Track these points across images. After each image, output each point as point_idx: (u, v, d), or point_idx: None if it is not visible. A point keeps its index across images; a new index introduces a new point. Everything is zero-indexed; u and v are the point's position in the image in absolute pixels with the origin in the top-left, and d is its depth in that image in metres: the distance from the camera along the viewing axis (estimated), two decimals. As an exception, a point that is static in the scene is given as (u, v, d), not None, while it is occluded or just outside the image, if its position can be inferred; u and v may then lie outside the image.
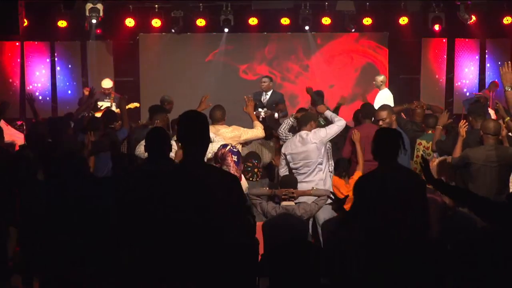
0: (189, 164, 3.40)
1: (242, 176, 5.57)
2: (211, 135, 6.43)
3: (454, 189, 4.01)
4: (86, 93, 9.75)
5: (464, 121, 6.34)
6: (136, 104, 10.37)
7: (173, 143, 6.25)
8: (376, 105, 8.44)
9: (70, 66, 12.26)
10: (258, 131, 6.89)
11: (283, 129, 6.88)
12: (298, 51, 12.40)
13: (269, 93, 9.68)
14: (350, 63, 12.39)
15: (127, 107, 9.48)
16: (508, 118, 6.58)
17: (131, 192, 4.48)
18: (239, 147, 6.40)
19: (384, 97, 9.75)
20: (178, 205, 3.28)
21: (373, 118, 7.14)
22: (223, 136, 6.61)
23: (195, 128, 3.38)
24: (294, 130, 7.05)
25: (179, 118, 3.47)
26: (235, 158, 5.32)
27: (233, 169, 5.25)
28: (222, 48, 12.29)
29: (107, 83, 10.57)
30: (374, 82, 10.17)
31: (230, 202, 3.31)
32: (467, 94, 11.63)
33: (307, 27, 11.75)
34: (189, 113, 3.48)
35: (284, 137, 6.88)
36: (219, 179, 3.35)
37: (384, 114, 6.68)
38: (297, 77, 12.41)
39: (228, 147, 5.42)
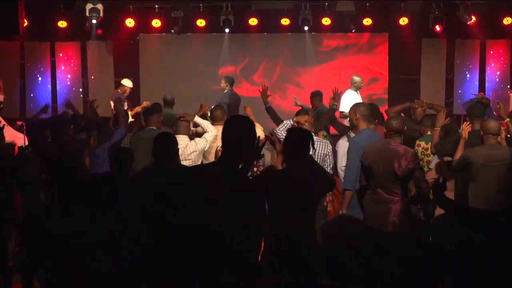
0: (222, 165, 3.41)
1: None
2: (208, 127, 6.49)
3: (458, 209, 4.06)
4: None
5: (467, 123, 6.33)
6: (148, 102, 10.35)
7: (182, 139, 6.26)
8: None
9: (70, 66, 12.25)
10: (258, 132, 6.88)
11: (280, 130, 6.87)
12: (296, 59, 12.40)
13: (224, 92, 10.08)
14: (349, 64, 12.38)
15: (141, 106, 9.59)
16: (508, 119, 6.60)
17: (140, 190, 4.52)
18: None
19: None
20: (209, 201, 3.30)
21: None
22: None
23: (235, 134, 3.40)
24: None
25: (226, 122, 3.52)
26: None
27: None
28: (225, 50, 12.31)
29: (129, 83, 10.58)
30: (354, 84, 9.97)
31: (253, 209, 3.35)
32: (470, 93, 11.62)
33: (306, 27, 11.76)
34: (233, 118, 3.58)
35: (282, 137, 6.85)
36: (247, 184, 3.42)
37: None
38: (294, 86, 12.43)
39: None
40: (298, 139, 4.53)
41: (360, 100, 9.32)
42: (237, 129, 3.41)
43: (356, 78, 9.87)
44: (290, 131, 4.86)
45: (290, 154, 4.51)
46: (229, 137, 3.40)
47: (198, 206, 3.29)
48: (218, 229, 3.27)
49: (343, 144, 6.94)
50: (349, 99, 9.25)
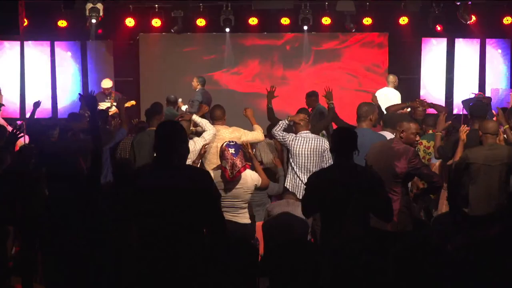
0: (159, 165, 3.68)
1: (248, 169, 5.50)
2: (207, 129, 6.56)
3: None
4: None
5: (465, 125, 6.33)
6: (133, 102, 10.39)
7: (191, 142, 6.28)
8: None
9: (70, 66, 12.25)
10: (258, 134, 6.90)
11: (277, 130, 6.88)
12: (295, 52, 12.41)
13: (196, 91, 10.33)
14: (349, 64, 12.39)
15: (125, 105, 9.54)
16: (507, 126, 6.53)
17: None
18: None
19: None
20: (153, 202, 3.54)
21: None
22: (222, 137, 6.61)
23: (166, 138, 3.70)
24: (290, 130, 7.04)
25: (156, 129, 3.84)
26: (232, 150, 5.33)
27: (230, 161, 5.26)
28: (225, 49, 12.31)
29: (107, 83, 10.63)
30: (394, 82, 10.16)
31: (202, 197, 3.53)
32: (470, 93, 11.62)
33: (305, 27, 11.77)
34: (163, 124, 3.92)
35: (281, 138, 6.84)
36: (189, 176, 3.61)
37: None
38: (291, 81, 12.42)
39: (225, 143, 5.43)
40: (348, 138, 4.53)
41: (397, 97, 9.77)
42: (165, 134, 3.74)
43: (391, 77, 10.22)
44: (337, 130, 4.94)
45: (340, 153, 4.53)
46: (157, 141, 3.74)
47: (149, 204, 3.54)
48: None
49: None
50: (386, 96, 9.65)
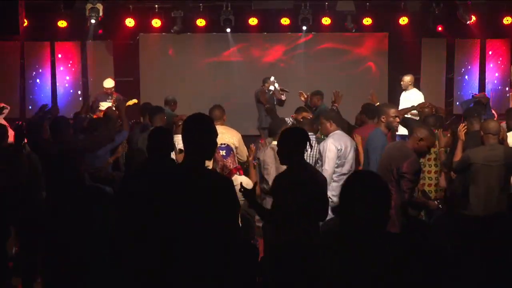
0: (184, 166, 3.44)
1: (238, 173, 5.41)
2: None
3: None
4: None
5: (463, 124, 6.33)
6: (135, 100, 10.36)
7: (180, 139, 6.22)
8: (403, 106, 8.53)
9: (70, 66, 12.26)
10: (245, 154, 6.67)
11: None
12: (295, 52, 12.42)
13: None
14: (350, 64, 12.39)
15: (126, 104, 9.52)
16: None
17: (130, 191, 4.51)
18: None
19: (414, 98, 9.65)
20: (169, 206, 3.31)
21: (376, 119, 7.13)
22: (219, 137, 6.54)
23: (196, 131, 3.39)
24: None
25: (184, 121, 3.47)
26: (223, 152, 5.28)
27: (221, 164, 5.22)
28: (225, 49, 12.32)
29: (109, 83, 10.60)
30: (401, 83, 10.05)
31: (220, 205, 3.30)
32: (469, 92, 11.63)
33: (304, 27, 11.78)
34: (193, 116, 3.48)
35: None
36: (211, 183, 3.35)
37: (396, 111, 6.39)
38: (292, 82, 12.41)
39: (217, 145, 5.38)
40: (287, 141, 4.31)
41: (409, 99, 9.58)
42: (194, 127, 3.43)
43: (404, 78, 9.99)
44: (282, 132, 4.57)
45: (282, 158, 4.34)
46: (185, 134, 3.43)
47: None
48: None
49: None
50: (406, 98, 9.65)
